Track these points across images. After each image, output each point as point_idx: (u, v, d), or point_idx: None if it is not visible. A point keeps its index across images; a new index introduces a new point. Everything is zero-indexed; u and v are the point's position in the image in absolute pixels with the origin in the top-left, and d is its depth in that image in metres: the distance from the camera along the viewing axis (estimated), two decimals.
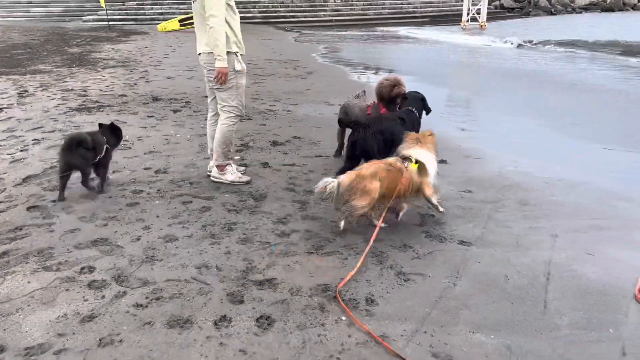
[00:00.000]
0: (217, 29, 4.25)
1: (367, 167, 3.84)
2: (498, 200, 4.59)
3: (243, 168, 5.13)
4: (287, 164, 5.45)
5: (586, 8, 43.12)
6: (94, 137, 4.48)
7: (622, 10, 43.38)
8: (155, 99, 8.56)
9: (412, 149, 4.06)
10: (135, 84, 10.02)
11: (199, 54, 4.56)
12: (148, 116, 7.40)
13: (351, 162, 4.48)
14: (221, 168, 4.75)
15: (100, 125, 4.74)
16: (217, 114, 4.73)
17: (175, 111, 7.73)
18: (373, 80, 11.97)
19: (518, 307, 3.01)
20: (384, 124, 4.54)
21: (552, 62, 16.01)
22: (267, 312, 2.87)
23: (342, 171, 4.23)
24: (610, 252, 3.69)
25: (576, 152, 6.41)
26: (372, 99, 5.42)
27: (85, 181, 4.49)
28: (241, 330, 2.72)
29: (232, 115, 4.63)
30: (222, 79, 4.43)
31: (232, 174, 4.77)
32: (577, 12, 41.81)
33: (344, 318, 2.84)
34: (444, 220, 4.16)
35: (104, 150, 4.52)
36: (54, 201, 4.34)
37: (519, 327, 2.82)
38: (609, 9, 43.17)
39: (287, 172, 5.17)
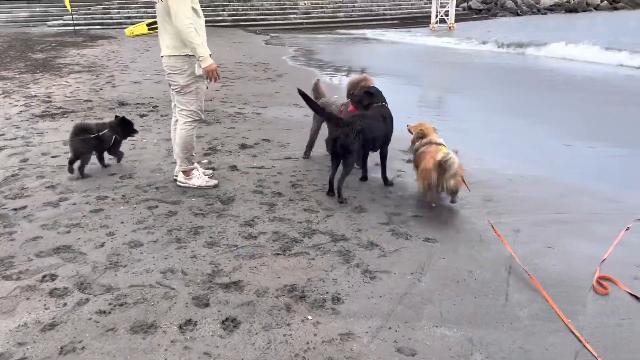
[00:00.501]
0: (187, 31, 4.22)
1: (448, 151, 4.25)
2: (463, 197, 4.67)
3: (210, 172, 5.10)
4: (255, 166, 5.44)
5: (551, 9, 44.18)
6: (100, 127, 5.15)
7: (585, 10, 44.61)
8: (122, 104, 8.44)
9: (434, 137, 4.61)
10: (101, 89, 9.87)
11: (162, 56, 4.53)
12: None
13: (336, 160, 4.56)
14: (187, 173, 4.72)
15: (116, 117, 5.41)
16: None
17: (142, 116, 7.64)
18: (345, 81, 12.05)
19: (480, 300, 3.08)
20: (366, 123, 4.57)
21: (516, 61, 16.37)
22: (232, 314, 2.87)
23: (333, 168, 4.57)
24: (570, 245, 3.80)
25: (539, 149, 6.58)
26: (326, 89, 5.50)
27: (81, 167, 5.05)
28: (206, 334, 2.71)
29: (191, 119, 4.60)
30: (213, 76, 4.41)
31: (199, 178, 4.74)
32: (542, 13, 42.80)
33: (310, 317, 2.86)
34: (410, 218, 4.21)
35: (112, 140, 5.24)
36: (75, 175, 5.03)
37: (481, 320, 2.88)
38: (573, 10, 44.35)
39: (256, 175, 5.17)
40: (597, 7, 45.79)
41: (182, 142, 4.62)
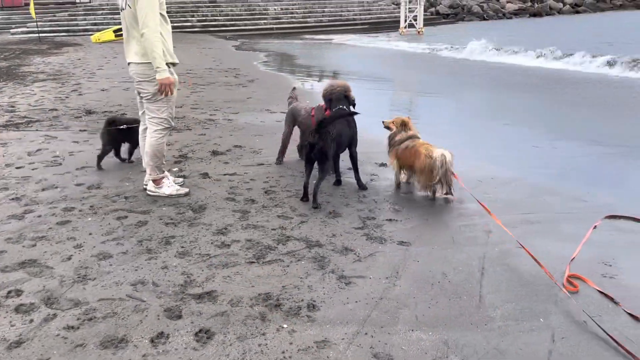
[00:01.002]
0: (153, 40, 4.16)
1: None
2: (435, 200, 4.71)
3: (181, 180, 5.02)
4: (227, 173, 5.38)
5: (516, 13, 45.17)
6: (131, 121, 5.42)
7: (549, 14, 45.79)
8: (89, 112, 8.27)
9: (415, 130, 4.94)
10: (67, 97, 9.65)
11: (129, 63, 4.46)
12: (80, 130, 7.13)
13: (310, 165, 4.58)
14: (157, 182, 4.63)
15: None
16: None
17: None
18: (317, 86, 12.06)
19: (455, 302, 3.10)
20: (337, 127, 4.62)
21: (485, 64, 16.65)
22: (206, 325, 2.82)
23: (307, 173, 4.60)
24: (540, 244, 3.86)
25: (508, 151, 6.69)
26: (303, 96, 5.51)
27: (116, 154, 5.66)
28: (179, 346, 2.65)
29: (161, 127, 4.53)
30: (166, 90, 4.34)
31: (169, 186, 4.67)
32: (507, 18, 43.72)
33: (285, 326, 2.82)
34: (384, 222, 4.23)
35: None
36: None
37: (456, 322, 2.90)
38: (537, 14, 45.47)
39: (228, 182, 5.11)
40: (560, 11, 47.07)
41: (152, 151, 4.54)
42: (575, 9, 47.80)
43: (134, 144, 5.50)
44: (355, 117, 4.97)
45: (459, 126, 8.17)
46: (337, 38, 27.49)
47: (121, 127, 5.40)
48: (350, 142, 4.93)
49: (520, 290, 3.24)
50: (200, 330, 2.77)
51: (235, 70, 13.72)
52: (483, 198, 4.76)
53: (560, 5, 47.84)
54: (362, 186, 4.97)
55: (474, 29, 31.75)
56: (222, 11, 31.88)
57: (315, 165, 4.57)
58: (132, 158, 5.74)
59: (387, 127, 5.09)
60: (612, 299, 3.11)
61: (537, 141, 6.98)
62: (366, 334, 2.78)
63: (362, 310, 3.00)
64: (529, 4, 47.65)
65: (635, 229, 4.15)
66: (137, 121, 5.11)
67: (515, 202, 4.72)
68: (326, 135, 4.47)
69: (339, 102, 5.00)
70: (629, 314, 2.96)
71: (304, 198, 4.61)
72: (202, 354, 2.59)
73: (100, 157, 5.49)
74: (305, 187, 4.62)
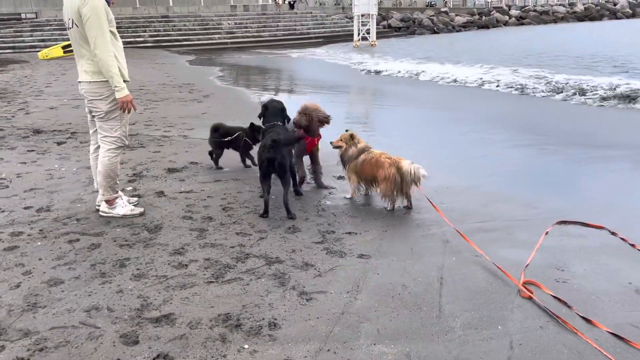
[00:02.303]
0: (106, 60, 4.09)
1: None
2: (393, 211, 4.76)
3: (135, 199, 4.89)
4: (184, 191, 5.28)
5: (464, 26, 46.66)
6: (231, 130, 6.04)
7: (495, 26, 47.52)
8: (37, 132, 7.97)
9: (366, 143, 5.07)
10: (13, 116, 9.28)
11: (80, 82, 4.34)
12: (28, 150, 6.86)
13: (268, 180, 4.63)
14: (110, 202, 4.50)
15: (252, 124, 5.95)
16: (99, 146, 4.48)
17: (59, 143, 7.24)
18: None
19: (415, 314, 3.12)
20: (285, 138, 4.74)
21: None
22: (164, 350, 2.73)
23: (266, 189, 4.64)
24: (496, 251, 3.95)
25: (461, 160, 6.85)
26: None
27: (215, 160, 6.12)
28: None
29: (115, 146, 4.41)
30: (128, 107, 4.26)
31: (123, 207, 4.53)
32: (456, 30, 45.08)
33: (246, 346, 2.77)
34: (344, 236, 4.23)
35: (242, 142, 5.99)
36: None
37: (417, 333, 2.92)
38: (485, 26, 47.12)
39: (184, 200, 5.01)
40: (506, 24, 48.93)
41: (105, 170, 4.41)
42: (520, 22, 49.80)
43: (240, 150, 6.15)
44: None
45: (413, 137, 8.32)
46: (292, 52, 27.62)
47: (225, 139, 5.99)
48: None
49: (479, 298, 3.30)
50: (158, 356, 2.69)
51: (189, 86, 13.55)
52: (439, 208, 4.86)
53: (507, 18, 49.75)
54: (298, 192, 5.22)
55: (420, 42, 32.62)
56: (174, 26, 31.54)
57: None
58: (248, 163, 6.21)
59: (337, 147, 5.14)
60: (565, 303, 3.21)
61: (489, 150, 7.19)
62: (329, 350, 2.76)
63: (324, 326, 2.98)
64: (477, 16, 49.32)
65: (584, 234, 4.31)
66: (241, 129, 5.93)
67: (470, 211, 4.82)
68: (282, 149, 4.54)
69: (274, 117, 5.10)
70: (582, 317, 3.06)
71: (264, 214, 4.59)
72: None
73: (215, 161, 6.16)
74: (266, 203, 4.61)
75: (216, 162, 6.15)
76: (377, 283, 3.49)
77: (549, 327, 2.98)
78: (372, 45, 30.61)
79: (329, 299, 3.28)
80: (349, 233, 4.29)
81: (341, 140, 5.09)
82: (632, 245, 4.05)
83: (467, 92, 13.62)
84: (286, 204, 4.59)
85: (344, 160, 5.07)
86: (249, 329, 2.92)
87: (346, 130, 5.22)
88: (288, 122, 5.25)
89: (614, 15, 54.10)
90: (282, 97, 12.84)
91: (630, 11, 55.52)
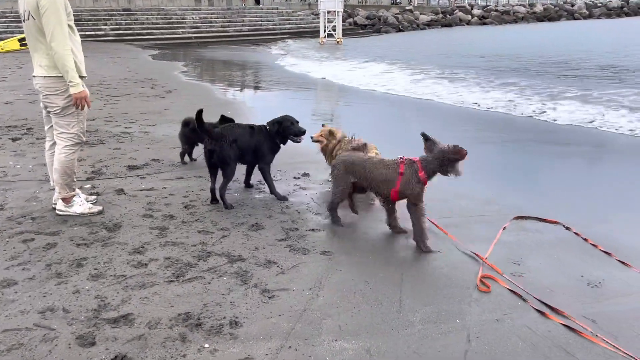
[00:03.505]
0: (63, 54, 3.97)
1: None
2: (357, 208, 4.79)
3: (94, 197, 4.77)
4: (144, 188, 5.18)
5: (429, 24, 47.30)
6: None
7: (458, 25, 48.37)
8: None
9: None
10: None
11: (35, 76, 4.20)
12: None
13: (214, 170, 4.78)
14: (67, 200, 4.37)
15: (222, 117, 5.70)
16: (55, 143, 4.35)
17: (14, 139, 6.99)
18: (239, 97, 11.95)
19: (376, 309, 3.16)
20: (235, 135, 4.75)
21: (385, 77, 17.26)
22: (122, 351, 2.68)
23: (212, 180, 4.79)
24: (455, 247, 4.03)
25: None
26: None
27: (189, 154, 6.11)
28: None
29: (71, 143, 4.29)
30: (82, 103, 4.15)
31: (81, 205, 4.42)
32: (421, 29, 45.65)
33: (206, 345, 2.75)
34: (307, 233, 4.24)
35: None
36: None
37: (377, 328, 2.95)
38: (448, 25, 47.91)
39: (145, 198, 4.92)
40: (468, 23, 49.85)
41: (61, 168, 4.28)
42: (483, 21, 50.81)
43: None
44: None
45: (376, 134, 8.39)
46: (259, 47, 27.44)
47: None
48: (257, 156, 4.98)
49: (438, 292, 3.36)
50: (115, 357, 2.63)
51: (152, 81, 13.29)
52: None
53: (469, 17, 50.67)
54: (279, 197, 5.01)
55: (384, 41, 32.94)
56: (137, 19, 30.86)
57: None
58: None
59: (317, 141, 5.28)
60: (521, 297, 3.31)
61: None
62: (290, 347, 2.76)
63: (286, 323, 2.98)
64: (441, 15, 50.08)
65: (540, 229, 4.45)
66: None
67: (430, 206, 4.86)
68: (222, 141, 4.63)
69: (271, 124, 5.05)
70: (537, 310, 3.16)
71: (213, 201, 4.81)
72: None
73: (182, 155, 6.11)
74: (212, 191, 4.81)
75: (182, 157, 6.09)
76: (339, 279, 3.51)
77: (505, 321, 3.06)
78: (337, 42, 30.69)
79: (291, 296, 3.28)
80: (313, 230, 4.30)
81: (321, 135, 5.26)
82: (585, 239, 4.20)
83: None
84: (222, 196, 4.72)
85: (326, 154, 5.29)
86: (209, 328, 2.90)
87: (323, 125, 5.43)
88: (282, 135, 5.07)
89: (572, 16, 55.82)
90: (247, 93, 12.77)
91: (587, 12, 57.38)
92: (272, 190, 5.03)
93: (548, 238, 4.27)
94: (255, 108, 10.32)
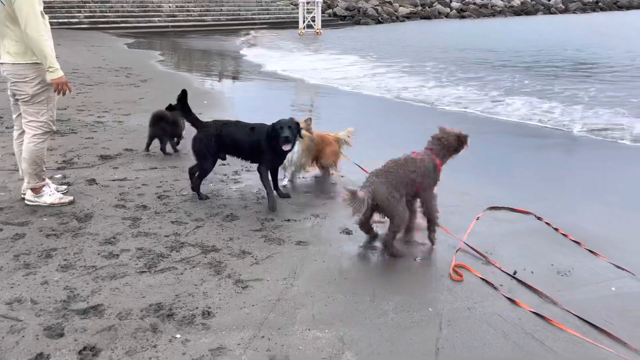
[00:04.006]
0: (38, 39, 3.89)
1: None
2: (333, 198, 4.80)
3: (65, 187, 4.68)
4: (117, 179, 5.10)
5: (408, 16, 47.37)
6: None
7: (437, 18, 48.58)
8: None
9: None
10: None
11: (2, 63, 4.08)
12: None
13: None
14: (37, 190, 4.27)
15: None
16: (24, 132, 4.24)
17: None
18: (217, 87, 11.82)
19: (350, 298, 3.17)
20: (227, 131, 4.59)
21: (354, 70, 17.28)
22: (91, 342, 2.64)
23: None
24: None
25: (399, 149, 6.97)
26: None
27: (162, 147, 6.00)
28: None
29: (41, 132, 4.19)
30: (63, 89, 4.09)
31: (51, 195, 4.32)
32: (400, 21, 45.70)
33: (178, 336, 2.72)
34: (282, 223, 4.22)
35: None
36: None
37: (351, 317, 2.97)
38: (427, 17, 48.07)
39: (118, 188, 4.84)
40: (447, 16, 50.09)
41: (30, 157, 4.18)
42: (461, 14, 51.11)
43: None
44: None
45: (357, 122, 8.39)
46: (237, 37, 27.15)
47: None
48: (253, 156, 4.67)
49: (412, 281, 3.39)
50: (84, 348, 2.59)
51: (127, 70, 13.05)
52: None
53: (448, 10, 50.93)
54: (281, 194, 4.83)
55: (363, 32, 32.97)
56: (112, 7, 30.19)
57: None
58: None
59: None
60: (492, 285, 3.35)
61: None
62: (263, 337, 2.76)
63: (259, 313, 2.97)
64: (420, 8, 50.21)
65: (512, 219, 4.51)
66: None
67: None
68: (202, 135, 4.57)
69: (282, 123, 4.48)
70: (507, 298, 3.21)
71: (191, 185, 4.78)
72: None
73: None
74: (190, 175, 4.82)
75: (163, 149, 6.04)
76: (314, 269, 3.51)
77: (477, 309, 3.10)
78: (317, 33, 30.55)
79: (265, 286, 3.27)
80: (288, 220, 4.29)
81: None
82: (556, 229, 4.28)
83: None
84: (196, 187, 4.70)
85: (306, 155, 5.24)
86: (181, 318, 2.87)
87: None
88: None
89: (548, 10, 56.52)
90: (225, 84, 12.66)
91: (563, 7, 58.16)
92: (268, 194, 4.58)
93: (520, 228, 4.33)
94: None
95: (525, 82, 12.79)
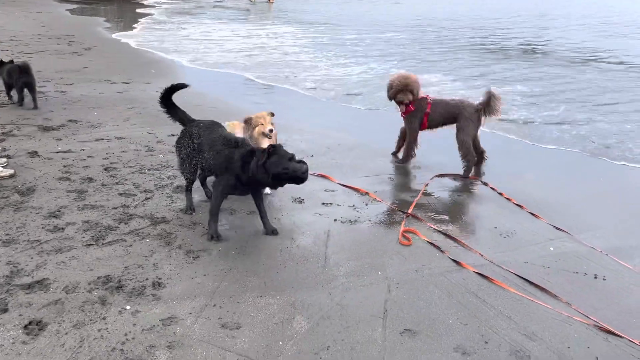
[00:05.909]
0: None
1: None
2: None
3: (5, 160, 4.47)
4: (61, 151, 4.91)
5: None
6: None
7: None
8: None
9: None
10: None
11: None
12: None
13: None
14: None
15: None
16: None
17: None
18: (166, 57, 11.42)
19: (302, 265, 3.21)
20: (204, 140, 3.63)
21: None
22: (37, 316, 2.58)
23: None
24: (380, 204, 4.14)
25: (352, 119, 7.03)
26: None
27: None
28: (5, 342, 2.40)
29: None
30: None
31: None
32: None
33: (128, 307, 2.69)
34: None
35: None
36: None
37: (302, 283, 3.02)
38: None
39: (62, 160, 4.66)
40: None
41: None
42: None
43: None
44: None
45: (303, 98, 8.37)
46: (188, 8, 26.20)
47: None
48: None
49: (362, 247, 3.46)
50: (30, 323, 2.54)
51: (69, 37, 12.43)
52: (331, 163, 4.99)
53: None
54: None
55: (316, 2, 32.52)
56: None
57: None
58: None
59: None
60: (439, 248, 3.47)
61: (375, 109, 7.42)
62: (214, 305, 2.77)
63: (211, 282, 2.97)
64: None
65: (459, 186, 4.65)
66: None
67: (359, 165, 5.00)
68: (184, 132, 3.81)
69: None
70: (453, 259, 3.33)
71: None
72: (33, 347, 2.38)
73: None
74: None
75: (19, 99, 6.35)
76: (266, 239, 3.52)
77: (423, 271, 3.21)
78: (270, 1, 29.89)
79: (217, 256, 3.26)
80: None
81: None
82: (500, 194, 4.44)
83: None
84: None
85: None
86: (131, 290, 2.84)
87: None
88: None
89: None
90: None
91: None
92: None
93: (466, 193, 4.48)
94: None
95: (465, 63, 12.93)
